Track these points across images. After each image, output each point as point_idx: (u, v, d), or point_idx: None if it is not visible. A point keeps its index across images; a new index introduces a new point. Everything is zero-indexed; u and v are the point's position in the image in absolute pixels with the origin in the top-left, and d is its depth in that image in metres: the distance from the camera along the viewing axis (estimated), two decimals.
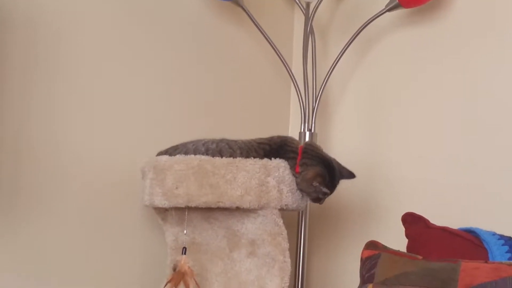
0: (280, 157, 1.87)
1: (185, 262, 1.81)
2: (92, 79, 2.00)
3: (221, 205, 1.78)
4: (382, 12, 2.22)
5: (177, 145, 1.89)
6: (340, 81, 2.46)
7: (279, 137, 1.94)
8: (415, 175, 2.21)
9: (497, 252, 1.67)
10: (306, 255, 2.24)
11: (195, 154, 1.82)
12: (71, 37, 1.96)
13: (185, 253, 1.84)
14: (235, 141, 1.89)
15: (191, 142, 1.88)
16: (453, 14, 2.19)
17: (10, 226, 1.83)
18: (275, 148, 1.90)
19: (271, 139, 1.93)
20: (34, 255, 1.87)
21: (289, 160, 1.87)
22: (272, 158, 1.84)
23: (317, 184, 1.83)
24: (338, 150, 2.44)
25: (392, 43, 2.35)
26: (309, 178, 1.83)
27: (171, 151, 1.87)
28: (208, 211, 1.87)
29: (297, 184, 1.86)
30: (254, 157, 1.85)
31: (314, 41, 2.38)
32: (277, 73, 2.50)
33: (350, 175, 1.92)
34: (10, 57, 1.83)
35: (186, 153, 1.84)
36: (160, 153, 1.90)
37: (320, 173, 1.83)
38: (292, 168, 1.85)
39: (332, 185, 1.86)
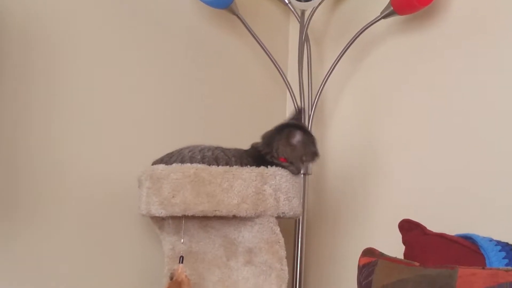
0: (267, 160, 1.88)
1: (182, 271, 1.81)
2: (87, 88, 2.00)
3: (218, 213, 1.77)
4: (377, 19, 2.22)
5: (172, 152, 1.89)
6: (336, 88, 2.46)
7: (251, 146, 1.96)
8: (412, 181, 2.21)
9: (494, 258, 1.67)
10: (303, 263, 2.24)
11: (191, 161, 1.82)
12: (66, 47, 1.96)
13: (182, 262, 1.84)
14: (229, 149, 1.89)
15: (188, 148, 1.88)
16: (447, 20, 2.19)
17: (7, 235, 1.83)
18: (257, 156, 1.91)
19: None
20: (31, 264, 1.86)
21: (268, 158, 1.89)
22: (269, 166, 1.84)
23: (295, 140, 1.88)
24: (334, 157, 2.44)
25: (387, 50, 2.36)
26: (285, 144, 1.88)
27: (167, 159, 1.87)
28: (205, 220, 1.87)
29: (291, 161, 1.88)
30: (245, 164, 1.85)
31: (309, 49, 2.38)
32: (273, 80, 2.50)
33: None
34: (6, 66, 1.83)
35: (182, 159, 1.83)
36: (156, 162, 1.89)
37: (287, 133, 1.88)
38: (275, 161, 1.88)
39: (306, 132, 1.93)
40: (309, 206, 2.37)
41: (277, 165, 1.87)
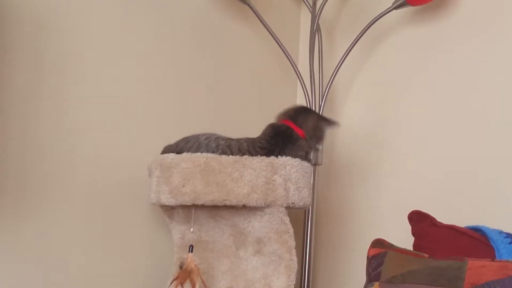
0: (286, 140, 1.91)
1: (191, 260, 1.81)
2: (98, 77, 2.00)
3: (227, 203, 1.78)
4: (388, 10, 2.22)
5: (188, 137, 1.89)
6: (347, 79, 2.46)
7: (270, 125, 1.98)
8: (422, 172, 2.21)
9: (504, 251, 1.67)
10: (312, 253, 2.25)
11: (207, 149, 1.83)
12: (77, 34, 1.96)
13: (191, 251, 1.84)
14: (242, 138, 1.90)
15: (204, 134, 1.88)
16: (459, 11, 2.19)
17: (16, 223, 1.83)
18: (279, 132, 1.94)
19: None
20: (40, 252, 1.87)
21: (292, 137, 1.93)
22: (279, 156, 1.84)
23: (322, 124, 1.99)
24: (344, 148, 2.44)
25: (398, 41, 2.35)
26: (312, 125, 1.96)
27: (183, 144, 1.86)
28: (215, 209, 1.87)
29: (311, 141, 1.96)
30: (260, 147, 1.87)
31: (320, 39, 2.38)
32: (284, 70, 2.50)
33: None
34: (18, 55, 1.83)
35: (198, 147, 1.83)
36: (170, 146, 1.89)
37: (319, 116, 2.02)
38: (299, 139, 1.92)
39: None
40: (319, 197, 2.37)
41: (292, 142, 1.91)
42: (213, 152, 1.82)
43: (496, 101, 2.06)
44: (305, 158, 1.90)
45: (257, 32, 2.42)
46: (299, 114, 1.99)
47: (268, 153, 1.85)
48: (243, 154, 1.83)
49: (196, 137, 1.87)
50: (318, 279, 2.41)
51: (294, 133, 1.93)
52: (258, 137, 1.92)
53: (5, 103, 1.80)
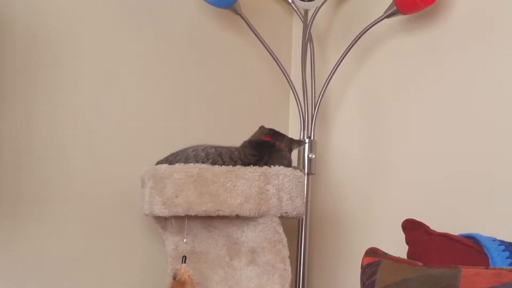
0: (272, 149, 1.93)
1: (185, 270, 1.81)
2: (91, 87, 2.01)
3: (220, 213, 1.77)
4: (380, 19, 2.22)
5: (177, 152, 1.89)
6: (339, 88, 2.46)
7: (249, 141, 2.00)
8: (415, 180, 2.21)
9: (498, 258, 1.67)
10: (306, 263, 2.24)
11: (195, 159, 1.83)
12: (70, 47, 1.96)
13: (185, 262, 1.84)
14: (230, 147, 1.91)
15: (191, 147, 1.89)
16: (451, 20, 2.19)
17: (11, 234, 1.83)
18: (262, 142, 1.95)
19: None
20: (34, 263, 1.87)
21: (275, 147, 1.95)
22: (271, 166, 1.84)
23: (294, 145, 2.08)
24: (337, 157, 2.44)
25: (390, 49, 2.35)
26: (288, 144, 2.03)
27: (172, 158, 1.87)
28: (208, 220, 1.87)
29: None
30: (251, 154, 1.88)
31: (312, 48, 2.38)
32: (276, 80, 2.50)
33: None
34: (11, 64, 1.83)
35: (186, 158, 1.84)
36: (160, 161, 1.90)
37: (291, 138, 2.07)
38: (281, 150, 1.96)
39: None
40: (312, 206, 2.36)
41: (277, 151, 1.93)
42: (203, 161, 1.82)
43: (489, 109, 2.06)
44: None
45: (250, 42, 2.42)
46: (274, 134, 2.01)
47: (258, 159, 1.85)
48: (235, 162, 1.83)
49: (183, 151, 1.88)
50: None
51: (277, 144, 1.95)
52: (242, 146, 1.93)
53: None
